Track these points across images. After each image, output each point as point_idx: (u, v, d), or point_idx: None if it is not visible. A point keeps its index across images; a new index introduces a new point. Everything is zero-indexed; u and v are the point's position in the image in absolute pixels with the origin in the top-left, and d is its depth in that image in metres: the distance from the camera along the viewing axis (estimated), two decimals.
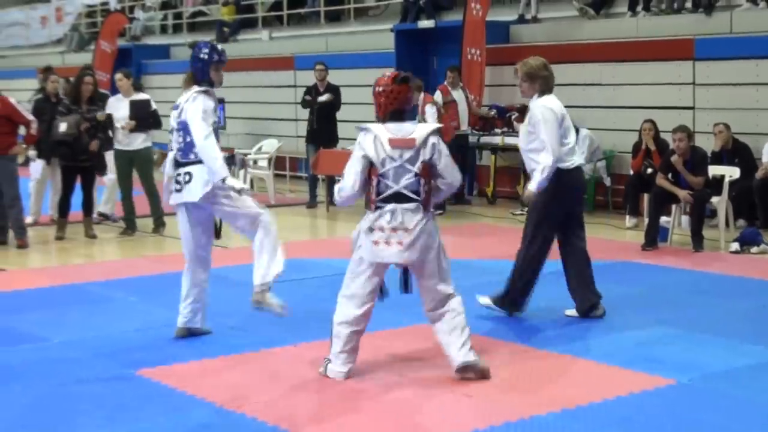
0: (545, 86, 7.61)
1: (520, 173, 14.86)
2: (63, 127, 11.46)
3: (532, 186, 7.50)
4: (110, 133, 12.04)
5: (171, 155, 7.14)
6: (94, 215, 12.86)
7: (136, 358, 6.73)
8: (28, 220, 12.74)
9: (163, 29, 26.11)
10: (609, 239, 11.79)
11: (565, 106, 7.70)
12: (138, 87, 13.07)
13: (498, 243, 11.52)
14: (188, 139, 6.95)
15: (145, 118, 12.22)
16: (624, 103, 14.34)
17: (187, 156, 6.98)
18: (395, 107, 6.26)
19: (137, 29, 25.56)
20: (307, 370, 6.46)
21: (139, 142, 12.28)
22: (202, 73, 7.08)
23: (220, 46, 7.27)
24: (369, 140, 6.15)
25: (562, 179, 7.54)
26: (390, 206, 6.08)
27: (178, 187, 7.01)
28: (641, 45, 14.37)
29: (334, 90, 15.44)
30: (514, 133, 14.90)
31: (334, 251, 11.10)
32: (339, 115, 15.53)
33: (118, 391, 6.05)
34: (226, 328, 7.61)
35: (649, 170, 12.15)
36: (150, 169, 12.46)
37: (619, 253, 10.78)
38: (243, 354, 6.88)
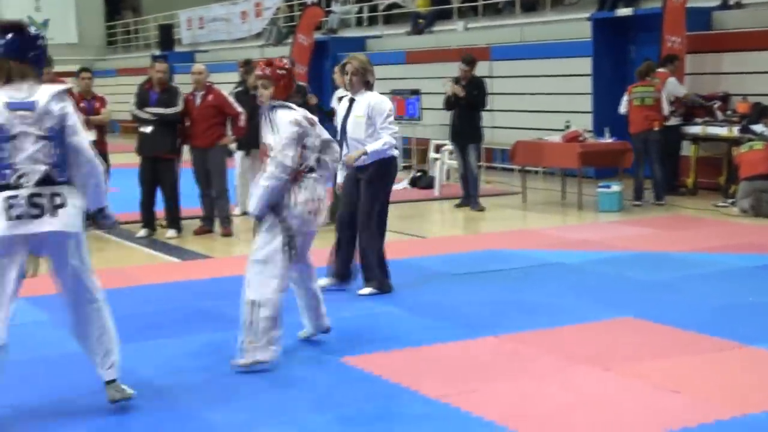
0: None
1: (722, 164, 14.44)
2: None
3: None
4: None
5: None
6: None
7: (341, 346, 6.83)
8: (236, 210, 13.14)
9: (359, 22, 26.43)
10: None
11: None
12: None
13: (700, 236, 11.23)
14: None
15: None
16: None
17: None
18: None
19: (333, 22, 25.95)
20: (508, 362, 6.43)
21: None
22: None
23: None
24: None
25: None
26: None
27: None
28: None
29: (477, 84, 13.85)
30: (716, 122, 14.48)
31: (530, 242, 11.06)
32: (523, 105, 15.24)
33: (323, 378, 6.16)
34: (432, 317, 7.65)
35: None
36: None
37: None
38: (445, 344, 6.90)
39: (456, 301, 8.19)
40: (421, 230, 12.43)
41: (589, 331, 7.15)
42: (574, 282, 8.91)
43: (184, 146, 12.10)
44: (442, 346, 6.83)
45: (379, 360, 6.49)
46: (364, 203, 8.29)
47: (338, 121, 8.42)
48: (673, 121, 14.51)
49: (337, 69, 12.70)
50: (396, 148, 8.38)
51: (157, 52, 31.92)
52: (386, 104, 8.28)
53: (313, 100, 12.12)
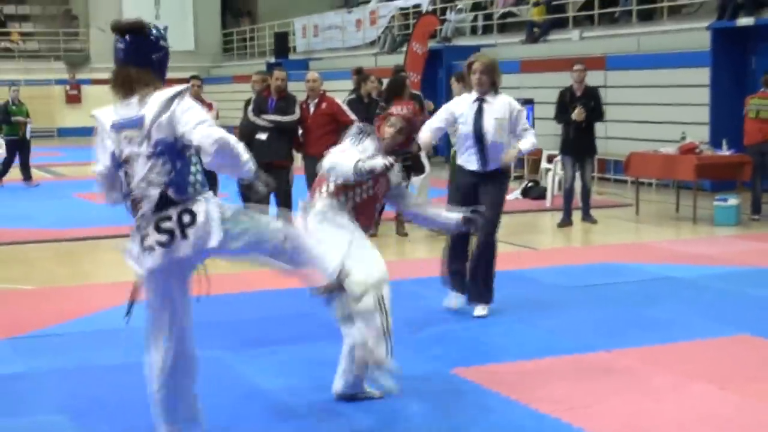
0: None
1: None
2: None
3: None
4: None
5: None
6: None
7: (452, 357, 6.83)
8: None
9: (473, 30, 26.40)
10: None
11: None
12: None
13: None
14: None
15: None
16: None
17: None
18: None
19: (448, 30, 25.95)
20: (621, 378, 6.35)
21: None
22: None
23: None
24: None
25: None
26: None
27: None
28: None
29: (591, 94, 13.49)
30: None
31: (643, 255, 10.91)
32: (638, 115, 14.99)
33: (434, 389, 6.16)
34: (544, 330, 7.60)
35: None
36: None
37: None
38: (557, 357, 6.84)
39: (567, 314, 8.12)
40: (532, 241, 12.35)
41: (704, 349, 7.02)
42: (689, 297, 8.76)
43: (298, 154, 12.22)
44: (554, 360, 6.77)
45: (491, 372, 6.46)
46: (488, 210, 7.45)
47: (464, 122, 7.94)
48: None
49: (453, 77, 12.75)
50: None
51: (272, 60, 32.35)
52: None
53: (430, 106, 12.25)
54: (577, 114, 13.02)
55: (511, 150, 7.87)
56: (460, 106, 8.04)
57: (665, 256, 10.87)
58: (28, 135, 19.52)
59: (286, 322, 8.00)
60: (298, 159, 12.34)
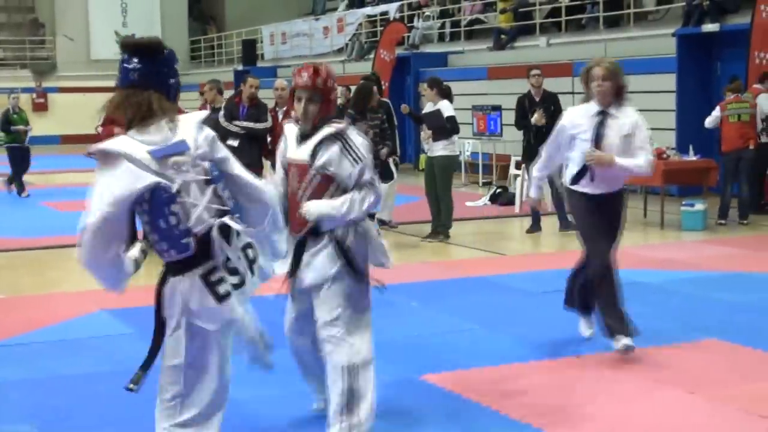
0: None
1: None
2: None
3: None
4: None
5: None
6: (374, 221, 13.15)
7: (421, 363, 6.81)
8: None
9: (441, 37, 26.45)
10: None
11: None
12: (446, 95, 13.15)
13: None
14: None
15: (437, 126, 12.33)
16: None
17: None
18: None
19: (416, 38, 25.99)
20: (591, 383, 6.36)
21: (438, 149, 12.40)
22: None
23: None
24: None
25: None
26: None
27: None
28: None
29: (551, 99, 13.51)
30: None
31: None
32: None
33: (403, 394, 6.14)
34: (513, 336, 7.60)
35: None
36: (444, 177, 12.53)
37: None
38: (527, 363, 6.84)
39: (536, 319, 8.13)
40: (501, 247, 12.36)
41: (673, 353, 7.04)
42: (657, 302, 8.78)
43: (266, 161, 12.19)
44: (524, 365, 6.78)
45: (460, 378, 6.45)
46: (607, 236, 6.87)
47: (583, 138, 6.87)
48: (764, 139, 14.23)
49: (425, 84, 12.82)
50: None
51: (240, 67, 32.30)
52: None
53: (406, 109, 12.49)
54: (537, 118, 13.03)
55: (606, 155, 6.75)
56: (577, 117, 6.96)
57: (633, 261, 10.88)
58: (26, 142, 19.23)
59: None
60: (266, 166, 12.29)
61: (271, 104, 12.26)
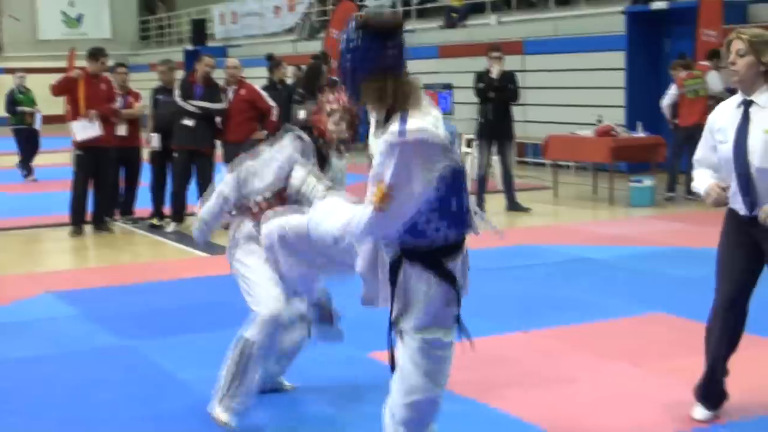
0: None
1: None
2: (302, 114, 11.70)
3: None
4: None
5: None
6: None
7: (369, 340, 6.79)
8: None
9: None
10: None
11: None
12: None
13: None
14: None
15: None
16: None
17: None
18: None
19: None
20: (538, 358, 6.38)
21: None
22: None
23: None
24: None
25: None
26: None
27: None
28: None
29: (510, 78, 13.24)
30: None
31: (562, 237, 11.00)
32: (556, 99, 15.08)
33: (350, 373, 6.13)
34: (462, 312, 7.59)
35: None
36: None
37: None
38: (475, 339, 6.83)
39: (485, 296, 8.12)
40: None
41: (619, 328, 7.09)
42: (606, 278, 8.84)
43: (217, 141, 12.11)
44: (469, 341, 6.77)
45: None
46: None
47: (723, 139, 4.98)
48: None
49: None
50: None
51: (190, 47, 32.04)
52: None
53: None
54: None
55: None
56: (722, 115, 5.08)
57: (583, 237, 10.97)
58: (37, 125, 18.67)
59: (202, 310, 7.91)
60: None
61: (222, 83, 12.16)
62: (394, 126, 3.49)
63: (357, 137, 5.62)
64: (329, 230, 3.87)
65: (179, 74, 13.40)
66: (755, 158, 4.80)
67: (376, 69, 3.57)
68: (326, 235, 3.89)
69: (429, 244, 3.74)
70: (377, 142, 3.61)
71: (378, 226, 3.60)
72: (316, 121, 5.36)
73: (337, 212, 3.85)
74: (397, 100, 3.55)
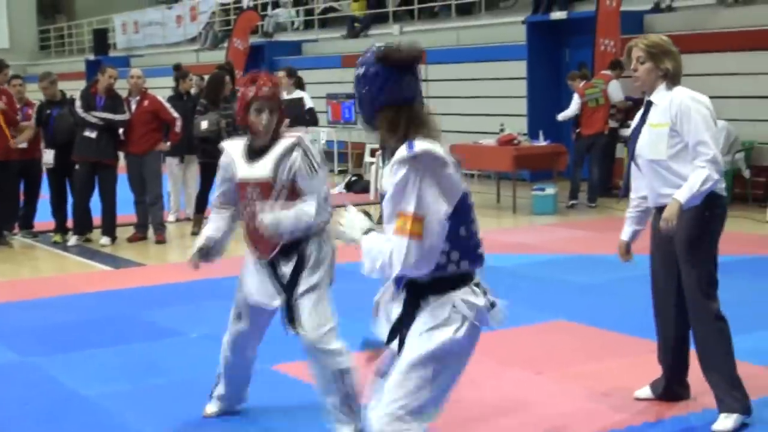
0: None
1: None
2: (204, 124, 11.62)
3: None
4: None
5: None
6: None
7: (274, 353, 6.78)
8: (170, 217, 13.11)
9: (295, 26, 26.38)
10: (749, 233, 11.49)
11: None
12: (300, 85, 13.17)
13: None
14: None
15: (297, 116, 12.26)
16: (764, 92, 13.95)
17: None
18: None
19: (269, 26, 25.87)
20: None
21: None
22: None
23: None
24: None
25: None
26: None
27: None
28: None
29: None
30: None
31: None
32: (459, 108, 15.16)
33: (255, 386, 6.10)
34: (366, 324, 7.61)
35: None
36: None
37: (759, 248, 10.51)
38: (382, 348, 6.86)
39: None
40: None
41: (521, 335, 7.17)
42: (508, 285, 8.81)
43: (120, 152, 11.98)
44: (377, 351, 6.79)
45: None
46: (686, 278, 5.51)
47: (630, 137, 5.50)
48: (611, 124, 14.59)
49: (284, 72, 12.74)
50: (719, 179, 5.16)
51: (92, 57, 31.63)
52: (701, 106, 5.15)
53: None
54: None
55: (669, 208, 5.22)
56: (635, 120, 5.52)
57: (487, 245, 10.92)
58: None
59: (104, 324, 7.83)
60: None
61: (124, 94, 12.02)
62: (402, 149, 3.55)
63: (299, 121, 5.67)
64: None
65: (79, 85, 13.23)
66: (644, 150, 5.30)
67: (392, 100, 3.63)
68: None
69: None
70: (388, 172, 3.65)
71: (417, 255, 3.61)
72: (241, 120, 5.26)
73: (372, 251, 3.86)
74: (409, 130, 3.60)
